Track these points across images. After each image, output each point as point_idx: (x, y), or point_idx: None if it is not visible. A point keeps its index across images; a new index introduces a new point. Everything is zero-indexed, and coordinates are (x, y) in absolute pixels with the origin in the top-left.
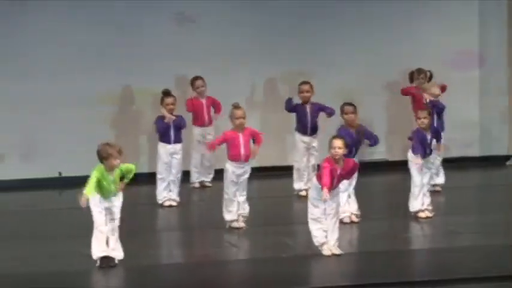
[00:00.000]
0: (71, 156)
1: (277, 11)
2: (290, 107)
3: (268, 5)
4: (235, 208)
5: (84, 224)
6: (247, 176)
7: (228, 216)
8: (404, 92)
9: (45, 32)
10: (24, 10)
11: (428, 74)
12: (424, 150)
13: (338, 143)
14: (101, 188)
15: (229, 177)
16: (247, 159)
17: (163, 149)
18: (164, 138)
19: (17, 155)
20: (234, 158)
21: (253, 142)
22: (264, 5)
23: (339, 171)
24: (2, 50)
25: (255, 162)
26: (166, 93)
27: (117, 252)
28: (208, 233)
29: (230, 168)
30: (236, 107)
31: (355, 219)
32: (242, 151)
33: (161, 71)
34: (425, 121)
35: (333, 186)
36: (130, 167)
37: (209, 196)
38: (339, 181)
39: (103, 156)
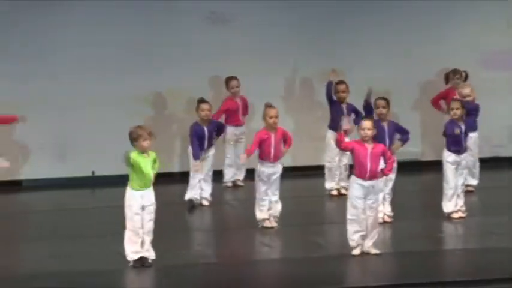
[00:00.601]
0: (104, 155)
1: (311, 10)
2: (330, 91)
3: (302, 5)
4: (267, 207)
5: (117, 223)
6: (278, 175)
7: (259, 215)
8: (435, 104)
9: (79, 32)
10: (59, 10)
11: (464, 74)
12: (459, 145)
13: (367, 124)
14: (138, 172)
15: (260, 177)
16: (276, 159)
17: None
18: (199, 145)
19: (51, 154)
20: (264, 157)
21: (284, 144)
22: (298, 4)
23: (369, 151)
24: (37, 49)
25: (288, 162)
26: (201, 101)
27: (150, 253)
28: (240, 233)
29: (261, 167)
30: (269, 106)
31: (387, 219)
32: (272, 151)
33: (195, 71)
34: (458, 112)
35: (367, 170)
36: (158, 163)
37: (242, 195)
38: (374, 164)
39: (133, 138)
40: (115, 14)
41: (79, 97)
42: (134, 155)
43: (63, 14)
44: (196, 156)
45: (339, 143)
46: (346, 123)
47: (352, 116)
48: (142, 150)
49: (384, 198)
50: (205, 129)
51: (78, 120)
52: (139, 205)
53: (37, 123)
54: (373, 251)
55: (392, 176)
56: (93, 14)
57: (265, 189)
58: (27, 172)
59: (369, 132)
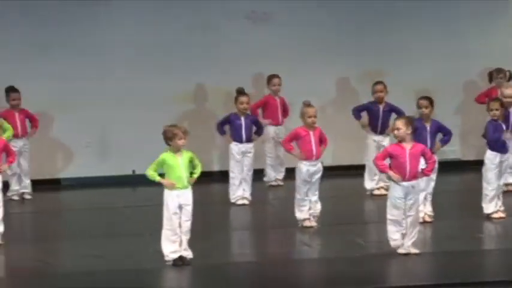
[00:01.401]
0: (145, 154)
1: (351, 10)
2: (358, 115)
3: (342, 5)
4: (307, 207)
5: (157, 221)
6: (320, 174)
7: (299, 215)
8: (479, 101)
9: (123, 32)
10: (105, 10)
11: (507, 73)
12: (502, 145)
13: (398, 123)
14: (170, 173)
15: (302, 177)
16: (318, 157)
17: (236, 147)
18: (236, 137)
19: (92, 153)
20: (306, 156)
21: (320, 144)
22: (339, 4)
23: (407, 151)
24: (80, 49)
25: (327, 161)
26: (241, 92)
27: (188, 252)
28: (280, 232)
29: (303, 167)
30: (308, 105)
31: (428, 219)
32: (314, 148)
33: (235, 70)
34: (497, 112)
35: (406, 170)
36: (198, 162)
37: (282, 195)
38: (414, 165)
39: (168, 137)
40: (158, 14)
41: (120, 96)
42: (165, 157)
43: (109, 14)
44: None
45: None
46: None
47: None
48: (177, 149)
49: (425, 198)
50: (243, 120)
51: (119, 119)
52: (177, 204)
53: (78, 122)
54: (413, 250)
55: (433, 176)
56: (137, 14)
57: (307, 190)
58: (67, 171)
59: (401, 132)
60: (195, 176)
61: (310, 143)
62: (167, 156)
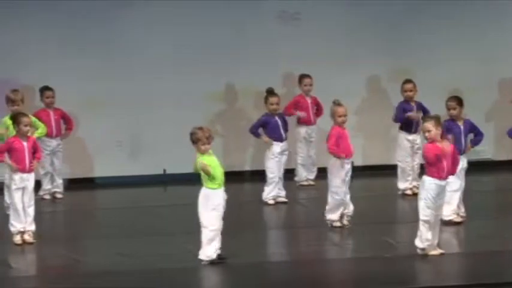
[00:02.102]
0: (175, 153)
1: (382, 9)
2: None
3: (373, 4)
4: (342, 207)
5: (189, 220)
6: (350, 173)
7: (331, 216)
8: None
9: (154, 32)
10: (137, 10)
11: None
12: None
13: (428, 125)
14: (216, 171)
15: (339, 175)
16: (351, 156)
17: (278, 147)
18: (276, 136)
19: (124, 152)
20: (345, 153)
21: None
22: (370, 3)
23: (441, 152)
24: (113, 48)
25: (359, 161)
26: (271, 92)
27: (220, 251)
28: (312, 231)
29: (342, 165)
30: (338, 104)
31: (459, 219)
32: (351, 147)
33: (266, 69)
34: None
35: (445, 169)
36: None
37: (314, 194)
38: (450, 163)
39: (193, 140)
40: (188, 15)
41: (152, 96)
42: (205, 160)
43: (141, 14)
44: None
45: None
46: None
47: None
48: (202, 153)
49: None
50: (277, 119)
51: (151, 118)
52: (213, 204)
53: (111, 121)
54: (439, 250)
55: (462, 176)
56: (168, 15)
57: (346, 188)
58: (100, 170)
59: (432, 134)
60: None
61: (347, 141)
62: (205, 159)
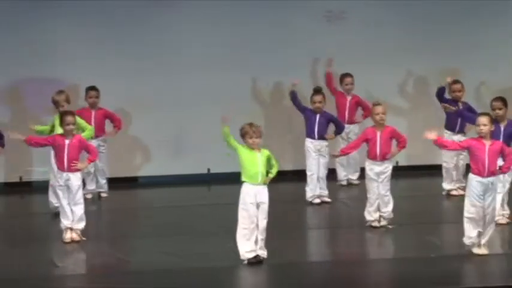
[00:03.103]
0: (219, 153)
1: (428, 8)
2: (441, 95)
3: (419, 3)
4: (374, 207)
5: (232, 220)
6: (388, 174)
7: (367, 216)
8: None
9: (199, 31)
10: (183, 9)
11: None
12: None
13: (483, 120)
14: (248, 168)
15: (369, 176)
16: (383, 158)
17: (311, 144)
18: (310, 133)
19: (168, 151)
20: (371, 156)
21: (397, 143)
22: (415, 3)
23: (487, 148)
24: (157, 47)
25: (403, 161)
26: (316, 91)
27: (263, 251)
28: (354, 231)
29: (368, 166)
30: (376, 103)
31: (504, 220)
32: (378, 150)
33: (310, 68)
34: None
35: (485, 167)
36: (275, 163)
37: (355, 194)
38: (492, 161)
39: (241, 134)
40: (235, 13)
41: (195, 95)
42: (241, 148)
43: (187, 13)
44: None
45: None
46: None
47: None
48: (251, 148)
49: (502, 199)
50: (318, 117)
51: (195, 117)
52: (254, 203)
53: (154, 120)
54: (484, 251)
55: (508, 177)
56: (214, 13)
57: (375, 188)
58: (143, 169)
59: (485, 128)
60: (271, 175)
61: (375, 143)
62: (243, 149)
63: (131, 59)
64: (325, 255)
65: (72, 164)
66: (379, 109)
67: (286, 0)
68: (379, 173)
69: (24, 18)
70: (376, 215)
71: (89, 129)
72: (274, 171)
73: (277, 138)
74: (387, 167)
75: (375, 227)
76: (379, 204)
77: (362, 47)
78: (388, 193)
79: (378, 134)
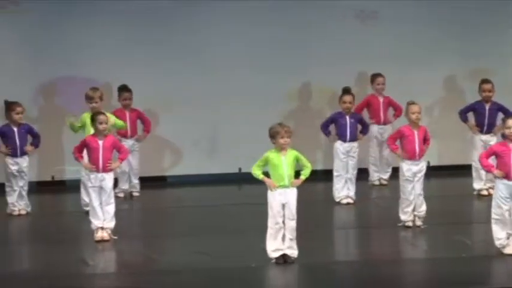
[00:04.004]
0: (251, 152)
1: (458, 8)
2: (464, 117)
3: (449, 3)
4: (411, 208)
5: (262, 219)
6: (422, 173)
7: (403, 216)
8: None
9: (229, 31)
10: (213, 9)
11: None
12: None
13: (509, 122)
14: (273, 171)
15: (404, 176)
16: (421, 156)
17: (341, 147)
18: (341, 136)
19: (199, 151)
20: (409, 155)
21: (423, 141)
22: (445, 3)
23: (500, 150)
24: (189, 46)
25: (434, 161)
26: (346, 91)
27: (293, 251)
28: (384, 231)
29: (405, 166)
30: (412, 103)
31: None
32: (417, 148)
33: (340, 68)
34: None
35: (511, 170)
36: (307, 163)
37: (387, 194)
38: None
39: (271, 134)
40: (265, 13)
41: (227, 95)
42: (269, 155)
43: (216, 13)
44: (324, 131)
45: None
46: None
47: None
48: (280, 148)
49: None
50: (347, 118)
51: (226, 117)
52: (279, 203)
53: (185, 120)
54: None
55: None
56: (243, 13)
57: (411, 188)
58: (174, 168)
59: None
60: (303, 177)
61: (413, 142)
62: (271, 154)
63: (163, 58)
64: (355, 255)
65: (107, 165)
66: (415, 108)
67: (316, 0)
68: (416, 172)
69: (59, 18)
70: (412, 215)
71: (120, 123)
72: (306, 172)
73: (307, 137)
74: (423, 166)
75: (408, 227)
76: (415, 204)
77: (393, 47)
78: (423, 192)
79: (415, 132)
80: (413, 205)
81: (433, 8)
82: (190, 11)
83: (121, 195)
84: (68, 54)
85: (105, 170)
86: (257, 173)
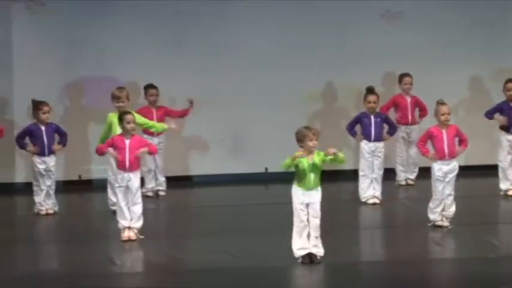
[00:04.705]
0: (277, 152)
1: (484, 8)
2: (490, 117)
3: (475, 3)
4: (441, 208)
5: (289, 219)
6: (454, 173)
7: (432, 216)
8: None
9: (256, 31)
10: (243, 9)
11: None
12: None
13: None
14: (299, 174)
15: (436, 176)
16: (451, 156)
17: (366, 146)
18: (366, 135)
19: (225, 150)
20: (439, 155)
21: (459, 143)
22: (471, 3)
23: None
24: (216, 47)
25: (461, 161)
26: (370, 91)
27: (318, 249)
28: (411, 231)
29: (436, 166)
30: (441, 103)
31: None
32: (446, 148)
33: (367, 68)
34: None
35: None
36: (341, 157)
37: (414, 194)
38: None
39: (299, 138)
40: (292, 13)
41: (253, 95)
42: (295, 154)
43: (245, 13)
44: (350, 132)
45: None
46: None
47: None
48: (309, 151)
49: None
50: (372, 118)
51: (252, 116)
52: (303, 202)
53: (212, 119)
54: None
55: None
56: (271, 14)
57: (441, 188)
58: (200, 168)
59: None
60: (340, 153)
61: (442, 141)
62: (301, 158)
63: (190, 58)
64: (381, 255)
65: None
66: (444, 109)
67: (343, 0)
68: (447, 172)
69: (84, 18)
70: (440, 215)
71: (160, 125)
72: (341, 154)
73: (333, 137)
74: (455, 166)
75: (438, 226)
76: (444, 204)
77: (418, 47)
78: (453, 193)
79: (444, 132)
80: (442, 205)
81: (458, 8)
82: (218, 11)
83: (150, 194)
84: (94, 54)
85: (132, 169)
86: (287, 163)
